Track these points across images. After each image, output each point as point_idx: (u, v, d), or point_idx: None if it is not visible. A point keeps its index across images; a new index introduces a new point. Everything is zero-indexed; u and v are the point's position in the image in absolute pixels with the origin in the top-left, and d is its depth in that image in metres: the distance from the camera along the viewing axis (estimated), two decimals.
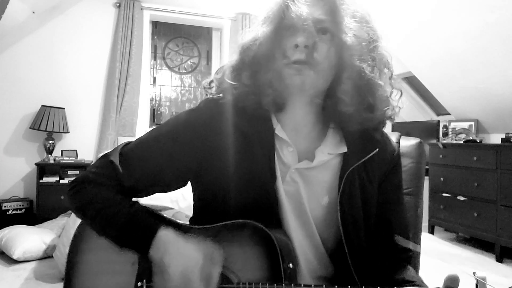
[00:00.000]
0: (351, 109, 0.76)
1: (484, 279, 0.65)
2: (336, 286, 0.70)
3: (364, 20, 0.76)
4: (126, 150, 0.81)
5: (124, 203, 0.76)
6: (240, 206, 0.77)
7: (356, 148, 0.80)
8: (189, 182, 0.86)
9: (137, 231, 0.73)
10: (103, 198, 0.76)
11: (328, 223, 0.81)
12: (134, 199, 0.84)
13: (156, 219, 0.76)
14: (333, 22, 0.73)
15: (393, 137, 0.89)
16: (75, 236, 0.81)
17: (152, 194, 0.84)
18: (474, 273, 0.66)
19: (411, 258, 0.85)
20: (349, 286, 0.70)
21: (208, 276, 0.69)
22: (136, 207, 0.76)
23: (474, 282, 0.66)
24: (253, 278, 0.72)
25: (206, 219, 0.78)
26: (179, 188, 0.85)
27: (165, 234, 0.71)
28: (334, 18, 0.73)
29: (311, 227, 0.80)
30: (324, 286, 0.71)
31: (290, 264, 0.73)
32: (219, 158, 0.78)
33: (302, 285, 0.71)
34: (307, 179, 0.80)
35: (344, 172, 0.79)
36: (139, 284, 0.75)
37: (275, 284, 0.70)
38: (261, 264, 0.73)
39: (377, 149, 0.81)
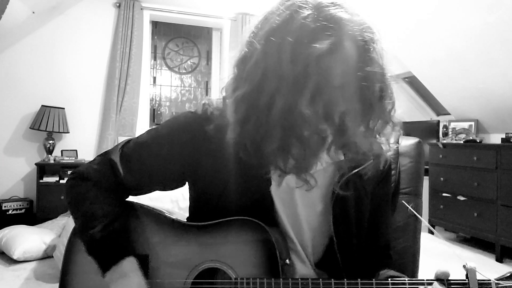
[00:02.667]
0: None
1: (474, 268, 0.67)
2: (332, 280, 0.71)
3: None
4: (126, 150, 0.82)
5: (106, 217, 0.77)
6: (235, 209, 0.78)
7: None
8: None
9: (102, 251, 0.75)
10: (91, 201, 0.78)
11: (322, 230, 0.82)
12: (130, 197, 0.86)
13: (126, 243, 0.77)
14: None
15: (392, 137, 0.90)
16: (72, 234, 0.83)
17: (150, 192, 0.86)
18: (464, 266, 0.68)
19: (390, 266, 0.88)
20: (345, 279, 0.71)
21: None
22: (114, 227, 0.77)
23: (465, 272, 0.68)
24: (251, 273, 0.73)
25: (201, 220, 0.79)
26: (178, 187, 0.86)
27: (124, 267, 0.74)
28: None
29: (302, 234, 0.81)
30: (320, 280, 0.71)
31: (287, 260, 0.75)
32: (215, 161, 0.79)
33: (299, 279, 0.71)
34: (303, 186, 0.80)
35: (339, 180, 0.79)
36: None
37: (272, 279, 0.71)
38: (259, 260, 0.74)
39: (372, 159, 0.81)
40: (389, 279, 0.71)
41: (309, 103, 0.65)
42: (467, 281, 0.67)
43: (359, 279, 0.70)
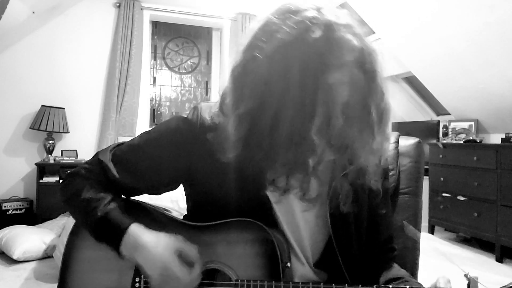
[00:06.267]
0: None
1: (476, 279, 0.66)
2: (333, 284, 0.71)
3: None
4: (118, 152, 0.83)
5: (104, 199, 0.77)
6: (233, 210, 0.78)
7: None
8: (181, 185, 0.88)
9: (108, 229, 0.75)
10: (86, 191, 0.79)
11: (320, 228, 0.82)
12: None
13: (133, 217, 0.77)
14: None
15: (392, 137, 0.89)
16: (71, 232, 0.83)
17: (142, 194, 0.86)
18: (466, 275, 0.67)
19: (395, 258, 0.88)
20: (346, 285, 0.71)
21: (188, 263, 0.72)
22: (112, 205, 0.77)
23: (466, 282, 0.67)
24: (251, 275, 0.73)
25: (199, 220, 0.80)
26: (171, 190, 0.86)
27: (134, 233, 0.73)
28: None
29: (299, 234, 0.81)
30: (322, 284, 0.71)
31: (288, 263, 0.74)
32: (209, 164, 0.79)
33: (300, 283, 0.71)
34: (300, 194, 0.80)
35: (334, 178, 0.79)
36: (137, 279, 0.77)
37: (273, 282, 0.71)
38: (259, 261, 0.74)
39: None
40: (390, 285, 0.71)
41: (318, 131, 0.65)
42: None
43: (360, 285, 0.70)
